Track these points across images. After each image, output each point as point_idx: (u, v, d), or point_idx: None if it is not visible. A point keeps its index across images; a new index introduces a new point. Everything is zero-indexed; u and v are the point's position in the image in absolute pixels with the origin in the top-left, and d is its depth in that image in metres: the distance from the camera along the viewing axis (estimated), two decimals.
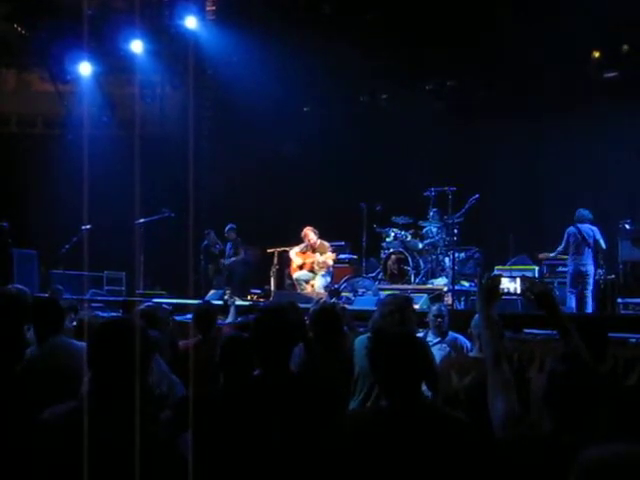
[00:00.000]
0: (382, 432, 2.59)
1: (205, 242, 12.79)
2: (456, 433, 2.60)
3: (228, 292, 8.42)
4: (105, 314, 6.71)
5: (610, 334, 4.42)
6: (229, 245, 12.40)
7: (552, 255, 10.29)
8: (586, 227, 9.80)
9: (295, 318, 3.15)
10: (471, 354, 4.56)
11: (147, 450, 2.28)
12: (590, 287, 9.70)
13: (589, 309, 9.54)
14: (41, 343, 4.05)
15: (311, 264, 10.79)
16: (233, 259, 12.22)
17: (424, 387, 4.20)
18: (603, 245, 9.82)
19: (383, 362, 2.70)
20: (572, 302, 9.74)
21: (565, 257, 10.04)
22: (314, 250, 10.81)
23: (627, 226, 9.91)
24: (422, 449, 2.54)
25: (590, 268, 9.74)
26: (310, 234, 10.77)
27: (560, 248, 9.98)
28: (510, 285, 3.23)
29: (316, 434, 2.78)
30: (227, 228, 12.32)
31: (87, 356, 2.57)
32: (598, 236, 9.77)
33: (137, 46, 12.90)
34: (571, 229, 9.87)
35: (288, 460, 2.75)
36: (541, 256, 10.52)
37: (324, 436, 2.76)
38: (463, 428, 2.64)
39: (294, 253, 10.97)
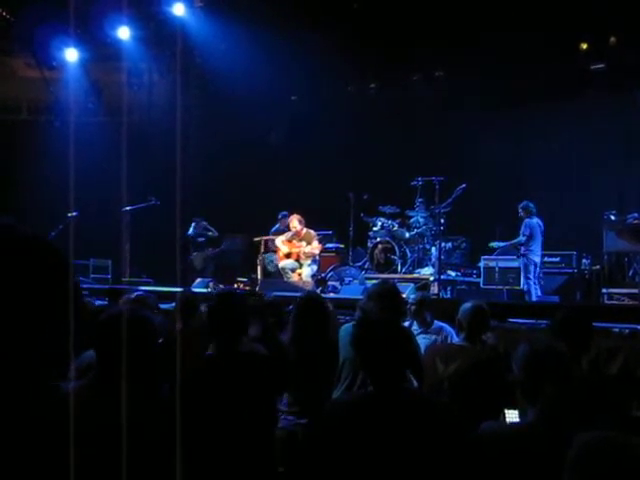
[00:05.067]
0: (367, 418, 2.62)
1: (190, 231, 12.72)
2: (440, 418, 2.63)
3: (211, 284, 8.41)
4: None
5: (594, 324, 4.45)
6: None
7: (506, 244, 10.37)
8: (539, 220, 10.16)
9: (243, 301, 3.59)
10: (456, 342, 4.57)
11: (147, 425, 2.45)
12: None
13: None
14: None
15: (297, 254, 10.77)
16: None
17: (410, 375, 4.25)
18: None
19: (368, 349, 2.74)
20: (538, 291, 10.02)
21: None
22: (300, 239, 10.78)
23: (612, 217, 9.99)
24: (407, 434, 2.56)
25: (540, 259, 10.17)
26: (296, 222, 10.73)
27: (522, 239, 10.05)
28: None
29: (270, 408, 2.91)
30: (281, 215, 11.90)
31: (95, 343, 2.67)
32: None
33: (124, 33, 12.79)
34: (532, 221, 10.02)
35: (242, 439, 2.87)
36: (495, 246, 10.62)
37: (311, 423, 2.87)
38: (447, 414, 2.68)
39: (280, 241, 10.92)
